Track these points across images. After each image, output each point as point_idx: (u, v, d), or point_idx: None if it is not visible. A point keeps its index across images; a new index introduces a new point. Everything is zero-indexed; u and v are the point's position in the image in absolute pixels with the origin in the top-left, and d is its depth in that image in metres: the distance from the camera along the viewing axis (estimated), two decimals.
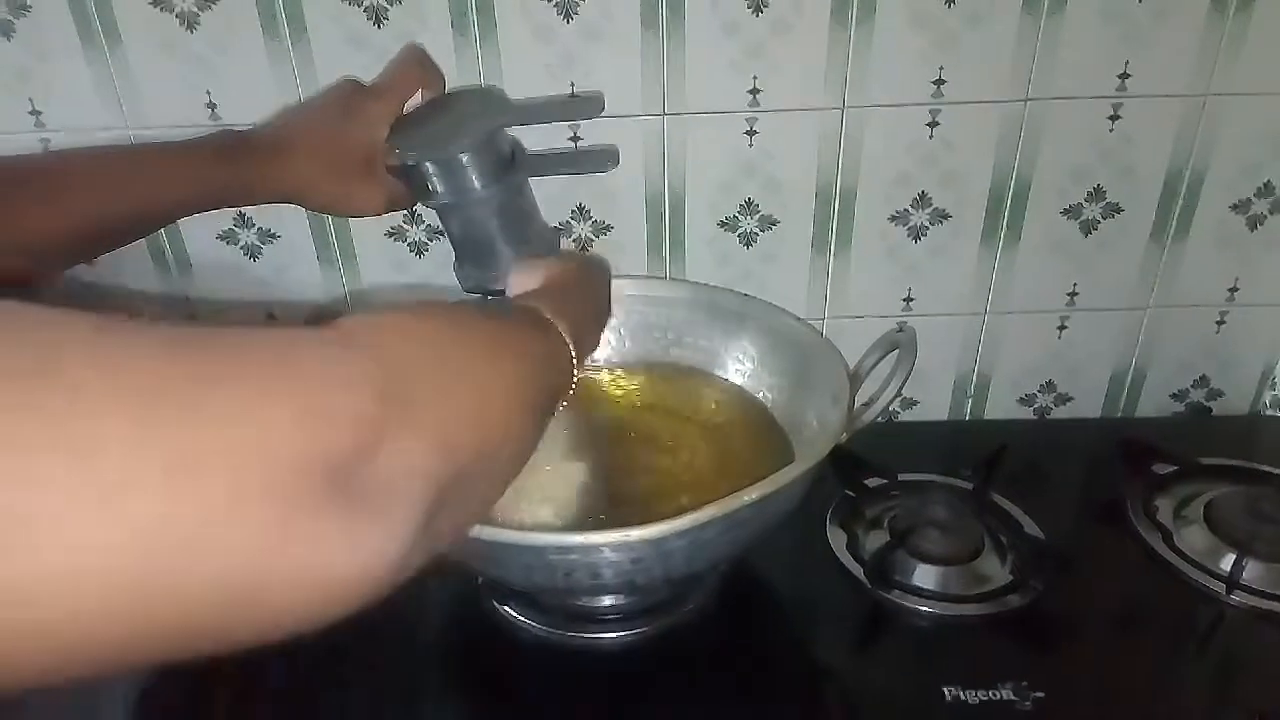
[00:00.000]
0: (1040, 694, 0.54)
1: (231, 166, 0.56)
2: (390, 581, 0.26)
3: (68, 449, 0.19)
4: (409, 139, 0.59)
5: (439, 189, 0.59)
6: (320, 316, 0.59)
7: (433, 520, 0.28)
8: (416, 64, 0.63)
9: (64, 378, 0.20)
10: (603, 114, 0.68)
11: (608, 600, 0.60)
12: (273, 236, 0.74)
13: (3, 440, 0.18)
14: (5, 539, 0.18)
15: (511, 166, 0.60)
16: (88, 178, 0.53)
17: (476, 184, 0.58)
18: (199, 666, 0.58)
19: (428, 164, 0.58)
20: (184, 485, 0.20)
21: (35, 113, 0.68)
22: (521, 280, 0.52)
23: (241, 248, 0.74)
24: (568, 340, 0.42)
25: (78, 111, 0.68)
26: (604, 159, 0.68)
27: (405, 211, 0.72)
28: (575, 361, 0.43)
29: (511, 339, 0.38)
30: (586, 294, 0.52)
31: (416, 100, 0.63)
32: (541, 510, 0.59)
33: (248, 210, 0.73)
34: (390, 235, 0.74)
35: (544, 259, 0.55)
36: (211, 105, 0.68)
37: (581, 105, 0.67)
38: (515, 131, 0.66)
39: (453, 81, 0.67)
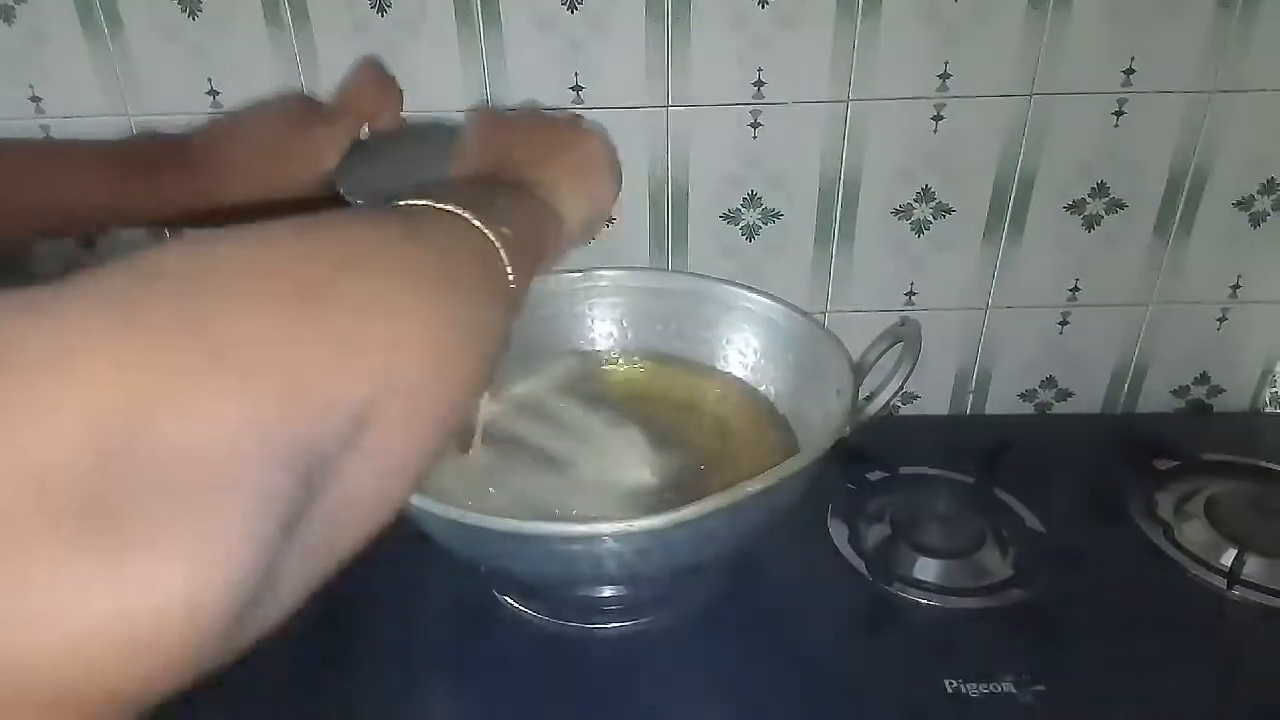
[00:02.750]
0: (1040, 687, 0.54)
1: (144, 184, 0.48)
2: (218, 623, 0.19)
3: None
4: (359, 175, 0.52)
5: None
6: None
7: (294, 523, 0.21)
8: (373, 83, 0.57)
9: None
10: (607, 105, 0.67)
11: (609, 591, 0.60)
12: None
13: None
14: None
15: None
16: None
17: None
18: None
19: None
20: None
21: (35, 99, 0.68)
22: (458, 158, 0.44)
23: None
24: (489, 234, 0.32)
25: (78, 98, 0.68)
26: None
27: None
28: (509, 261, 0.33)
29: (402, 246, 0.29)
30: (543, 158, 0.43)
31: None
32: (542, 499, 0.58)
33: None
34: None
35: (493, 115, 0.47)
36: (213, 92, 0.68)
37: None
38: None
39: (454, 72, 0.67)
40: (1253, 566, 0.61)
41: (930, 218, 0.74)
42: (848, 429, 0.55)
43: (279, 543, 0.20)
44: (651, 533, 0.48)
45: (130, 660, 0.18)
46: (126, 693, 0.18)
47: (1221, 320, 0.80)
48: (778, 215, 0.74)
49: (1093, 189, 0.73)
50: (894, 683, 0.56)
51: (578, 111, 0.68)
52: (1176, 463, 0.72)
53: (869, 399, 0.58)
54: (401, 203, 0.33)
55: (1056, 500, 0.68)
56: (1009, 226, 0.75)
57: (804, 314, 0.65)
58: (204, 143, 0.52)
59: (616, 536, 0.48)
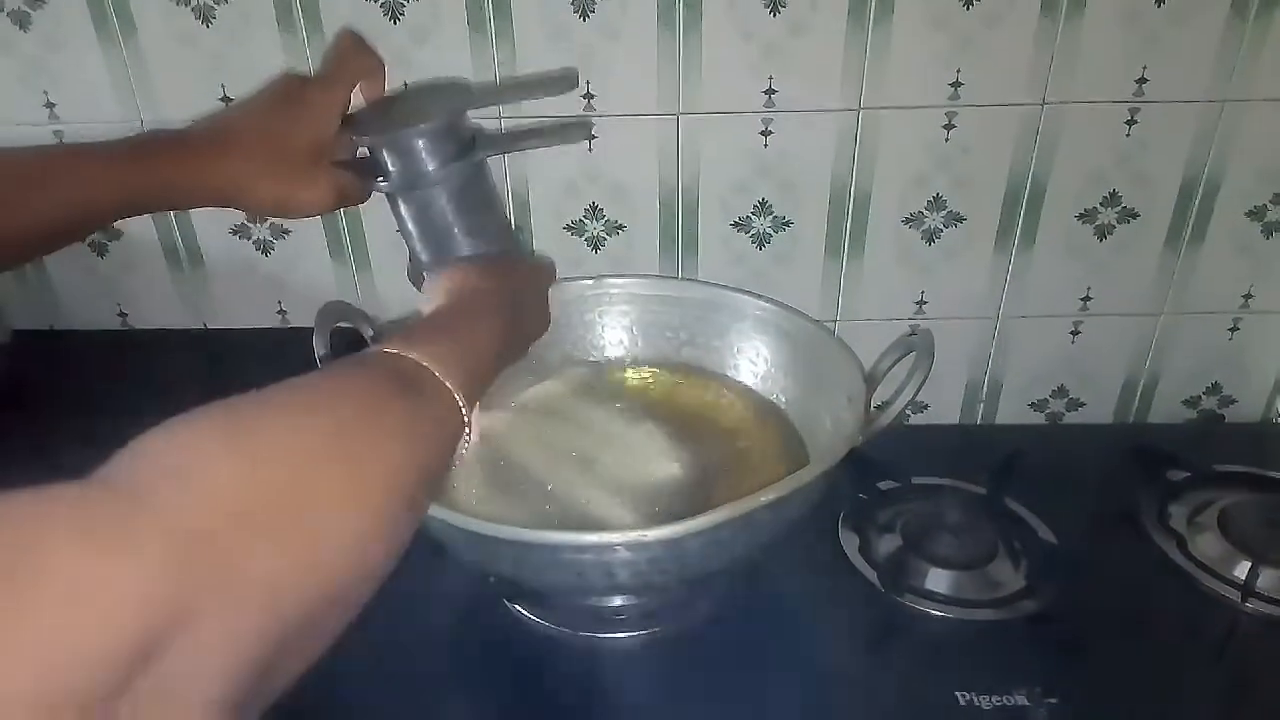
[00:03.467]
0: (1054, 700, 0.54)
1: (156, 168, 0.50)
2: None
3: None
4: (364, 126, 0.56)
5: (392, 170, 0.55)
6: (333, 314, 0.59)
7: (257, 690, 0.24)
8: (354, 50, 0.58)
9: None
10: (618, 113, 0.67)
11: (619, 600, 0.60)
12: (284, 232, 0.74)
13: None
14: None
15: (471, 148, 0.56)
16: None
17: (431, 165, 0.54)
18: None
19: (383, 148, 0.54)
20: None
21: (50, 105, 0.68)
22: (427, 295, 0.49)
23: (254, 242, 0.74)
24: (453, 391, 0.38)
25: (92, 104, 0.68)
26: (576, 132, 0.65)
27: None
28: (465, 411, 0.39)
29: (369, 427, 0.32)
30: (500, 312, 0.49)
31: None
32: (550, 507, 0.58)
33: None
34: (233, 232, 0.74)
35: (456, 269, 0.52)
36: (226, 99, 0.68)
37: (553, 84, 0.64)
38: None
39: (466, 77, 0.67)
40: (1267, 579, 0.61)
41: (941, 226, 0.74)
42: (859, 439, 0.55)
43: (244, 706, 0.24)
44: (664, 542, 0.47)
45: None
46: None
47: (1233, 330, 0.79)
48: (788, 223, 0.74)
49: (1104, 198, 0.73)
50: (906, 695, 0.56)
51: (590, 119, 0.68)
52: (1189, 474, 0.71)
53: (881, 408, 0.58)
54: (410, 354, 0.39)
55: (1069, 511, 0.68)
56: (1020, 235, 0.75)
57: (815, 322, 0.65)
58: (205, 128, 0.54)
59: (629, 546, 0.48)
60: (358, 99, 0.57)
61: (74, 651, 0.20)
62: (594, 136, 0.69)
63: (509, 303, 0.50)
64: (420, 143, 0.54)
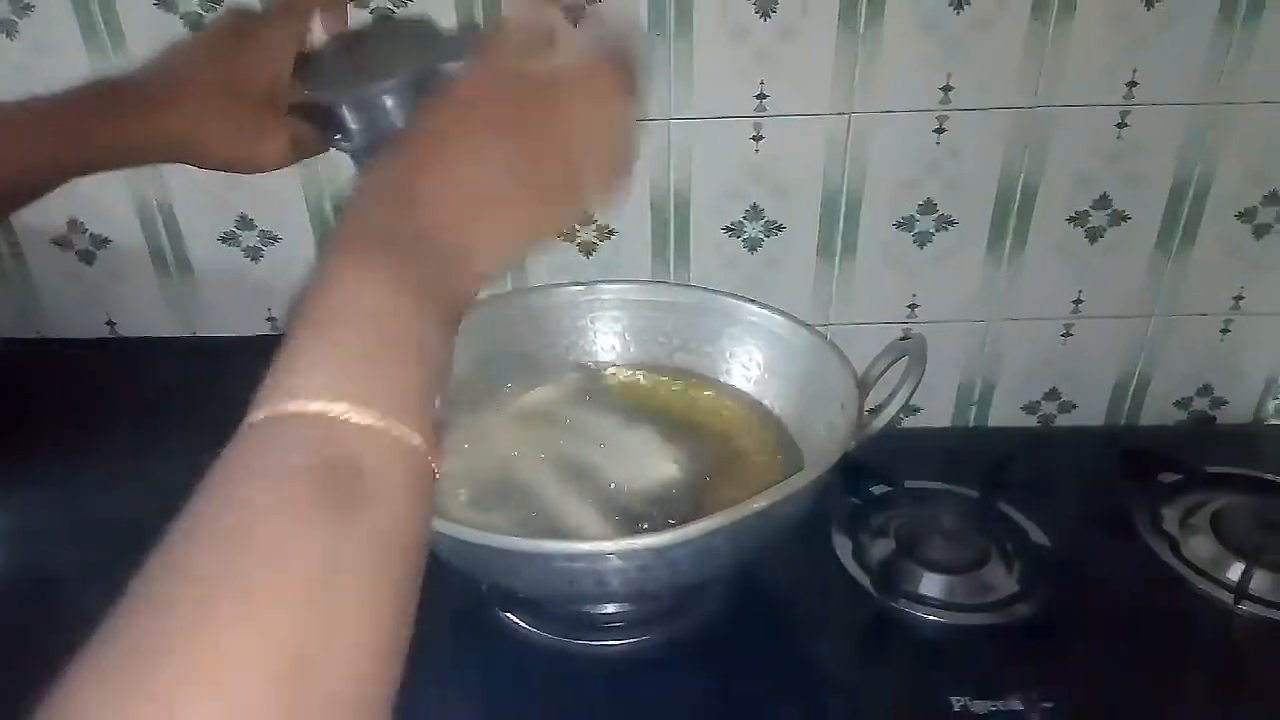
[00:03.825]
0: (1048, 704, 0.53)
1: (102, 121, 0.45)
2: None
3: None
4: (322, 75, 0.49)
5: (354, 129, 0.47)
6: None
7: None
8: None
9: None
10: None
11: (612, 607, 0.59)
12: (274, 239, 0.73)
13: None
14: None
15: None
16: None
17: (399, 123, 0.46)
18: None
19: (344, 105, 0.47)
20: None
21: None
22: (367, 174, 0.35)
23: (243, 250, 0.74)
24: (405, 446, 0.25)
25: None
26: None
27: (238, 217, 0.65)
28: (432, 459, 0.26)
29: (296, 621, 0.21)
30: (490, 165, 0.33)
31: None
32: (541, 513, 0.58)
33: (248, 212, 0.72)
34: (222, 240, 0.74)
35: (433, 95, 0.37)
36: None
37: None
38: None
39: None
40: (1260, 581, 0.61)
41: (933, 230, 0.74)
42: (852, 444, 0.55)
43: None
44: (655, 550, 0.47)
45: None
46: None
47: (1224, 332, 0.79)
48: (780, 228, 0.74)
49: (1095, 201, 0.73)
50: (900, 700, 0.56)
51: None
52: (1181, 476, 0.71)
53: (873, 413, 0.58)
54: (312, 407, 0.25)
55: (1061, 514, 0.68)
56: (1012, 239, 0.75)
57: (808, 327, 0.65)
58: (152, 74, 0.49)
59: (620, 554, 0.48)
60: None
61: None
62: None
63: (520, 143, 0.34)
64: (386, 100, 0.46)
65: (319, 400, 0.24)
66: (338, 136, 0.48)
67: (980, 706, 0.54)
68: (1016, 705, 0.54)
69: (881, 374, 0.61)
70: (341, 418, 0.24)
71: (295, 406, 0.24)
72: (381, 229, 0.30)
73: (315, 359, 0.26)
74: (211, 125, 0.47)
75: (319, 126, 0.49)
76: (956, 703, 0.54)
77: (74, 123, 0.45)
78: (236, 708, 0.20)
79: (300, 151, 0.50)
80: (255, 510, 0.23)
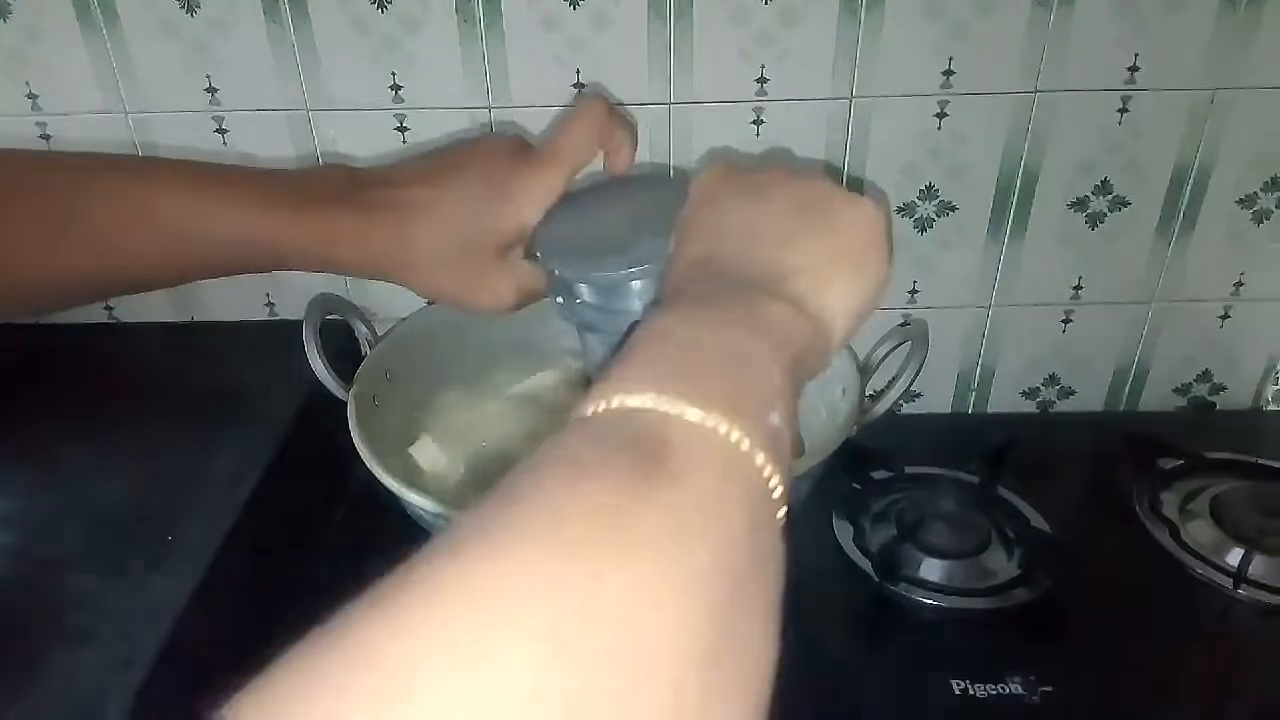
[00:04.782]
0: (1048, 688, 0.54)
1: (321, 225, 0.42)
2: None
3: None
4: (556, 233, 0.45)
5: (588, 302, 0.43)
6: (322, 306, 0.58)
7: None
8: (599, 125, 0.46)
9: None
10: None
11: None
12: None
13: None
14: None
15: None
16: (167, 194, 0.41)
17: (639, 305, 0.42)
18: (195, 665, 0.57)
19: (584, 283, 0.43)
20: None
21: (32, 96, 0.67)
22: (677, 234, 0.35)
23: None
24: (758, 454, 0.24)
25: (75, 96, 0.67)
26: None
27: None
28: (778, 473, 0.24)
29: (654, 542, 0.20)
30: (796, 237, 0.34)
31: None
32: None
33: None
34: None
35: (728, 173, 0.38)
36: (211, 89, 0.67)
37: None
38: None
39: (454, 69, 0.66)
40: (1259, 566, 0.61)
41: (934, 215, 0.74)
42: (853, 429, 0.55)
43: None
44: None
45: None
46: None
47: (1224, 318, 0.80)
48: None
49: (1096, 186, 0.73)
50: (901, 684, 0.56)
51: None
52: (1180, 461, 0.71)
53: (874, 399, 0.58)
54: (632, 402, 0.24)
55: (1061, 499, 0.68)
56: (1012, 224, 0.74)
57: None
58: (389, 178, 0.45)
59: None
60: None
61: None
62: None
63: (834, 244, 0.34)
64: (630, 287, 0.42)
65: (641, 396, 0.24)
66: (560, 300, 0.45)
67: (980, 690, 0.54)
68: (1017, 689, 0.54)
69: (883, 359, 0.61)
70: (663, 410, 0.23)
71: (616, 402, 0.24)
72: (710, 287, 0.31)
73: (642, 370, 0.25)
74: (437, 266, 0.44)
75: (550, 280, 0.45)
76: (957, 686, 0.54)
77: (286, 221, 0.42)
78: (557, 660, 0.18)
79: (524, 300, 0.47)
80: (562, 474, 0.22)
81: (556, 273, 0.44)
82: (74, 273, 0.42)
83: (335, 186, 0.44)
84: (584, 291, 0.43)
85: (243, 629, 0.61)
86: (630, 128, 0.48)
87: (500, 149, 0.46)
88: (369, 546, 0.64)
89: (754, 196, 0.37)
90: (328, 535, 0.66)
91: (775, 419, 0.25)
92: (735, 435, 0.23)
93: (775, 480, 0.24)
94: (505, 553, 0.19)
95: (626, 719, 0.18)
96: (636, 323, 0.31)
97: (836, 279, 0.34)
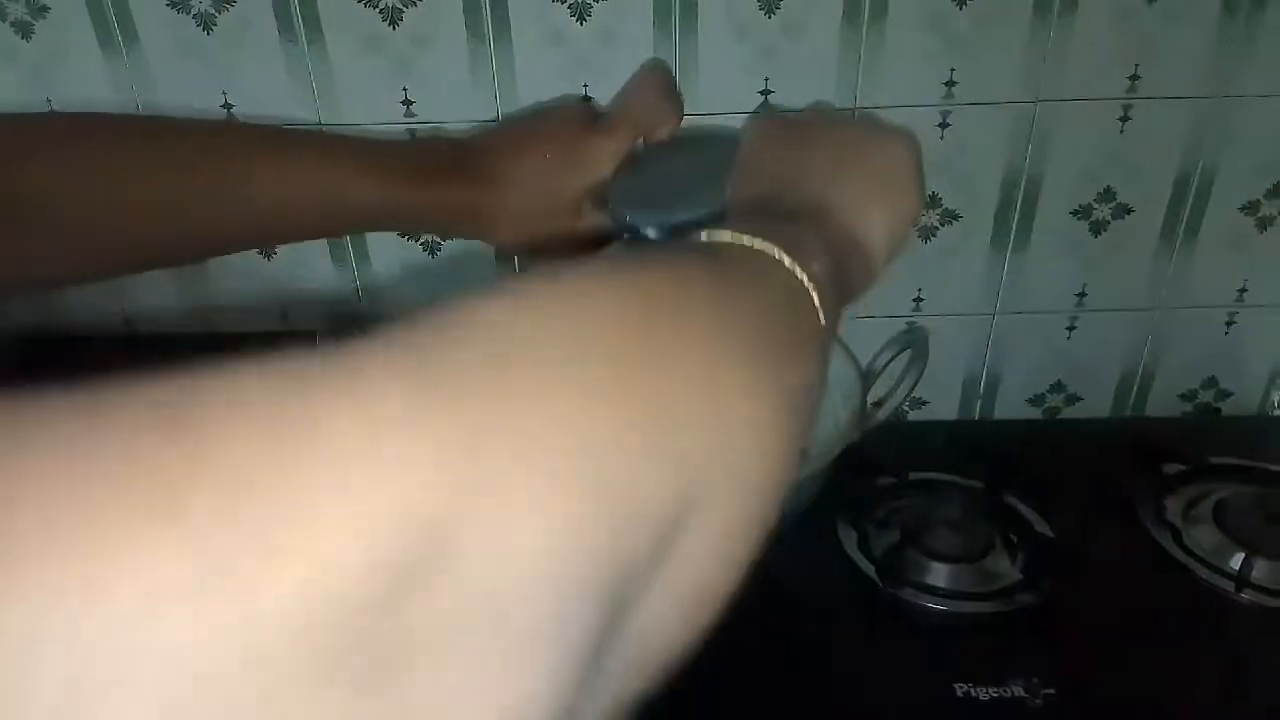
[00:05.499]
0: (1051, 691, 0.54)
1: (428, 190, 0.47)
2: None
3: None
4: (629, 186, 0.51)
5: (653, 237, 0.49)
6: (335, 317, 0.60)
7: (595, 651, 0.17)
8: (656, 95, 0.54)
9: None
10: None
11: None
12: None
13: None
14: None
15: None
16: (273, 166, 0.45)
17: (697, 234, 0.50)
18: None
19: (652, 228, 0.48)
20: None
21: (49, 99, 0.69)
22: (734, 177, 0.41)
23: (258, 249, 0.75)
24: (800, 274, 0.28)
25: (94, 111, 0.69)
26: None
27: None
28: (820, 304, 0.28)
29: (711, 305, 0.24)
30: (839, 171, 0.38)
31: None
32: None
33: None
34: (404, 233, 0.74)
35: (776, 123, 0.43)
36: (228, 106, 0.69)
37: None
38: None
39: (464, 83, 0.67)
40: (1261, 570, 0.62)
41: (938, 224, 0.75)
42: (855, 436, 0.56)
43: (577, 686, 0.17)
44: None
45: None
46: None
47: (1229, 324, 0.80)
48: None
49: (1099, 194, 0.73)
50: (904, 687, 0.57)
51: None
52: (1184, 467, 0.72)
53: (877, 405, 0.59)
54: (703, 237, 0.29)
55: (1065, 505, 0.68)
56: (1016, 232, 0.75)
57: None
58: (485, 149, 0.51)
59: None
60: None
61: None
62: None
63: (873, 173, 0.39)
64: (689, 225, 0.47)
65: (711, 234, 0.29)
66: (626, 234, 0.50)
67: (983, 693, 0.55)
68: (1019, 692, 0.55)
69: (885, 366, 0.62)
70: (744, 242, 0.28)
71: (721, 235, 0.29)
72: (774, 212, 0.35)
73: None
74: (527, 217, 0.50)
75: (615, 224, 0.51)
76: (960, 689, 0.55)
77: (399, 186, 0.47)
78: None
79: (593, 248, 0.52)
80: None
81: (629, 219, 0.49)
82: (234, 233, 0.47)
83: (447, 159, 0.50)
84: (652, 235, 0.49)
85: None
86: (679, 104, 0.54)
87: (573, 117, 0.53)
88: None
89: (800, 142, 0.42)
90: None
91: (826, 273, 0.30)
92: (788, 261, 0.28)
93: (812, 290, 0.28)
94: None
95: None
96: None
97: (875, 209, 0.38)
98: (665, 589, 0.20)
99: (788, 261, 0.28)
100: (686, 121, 0.69)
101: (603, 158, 0.51)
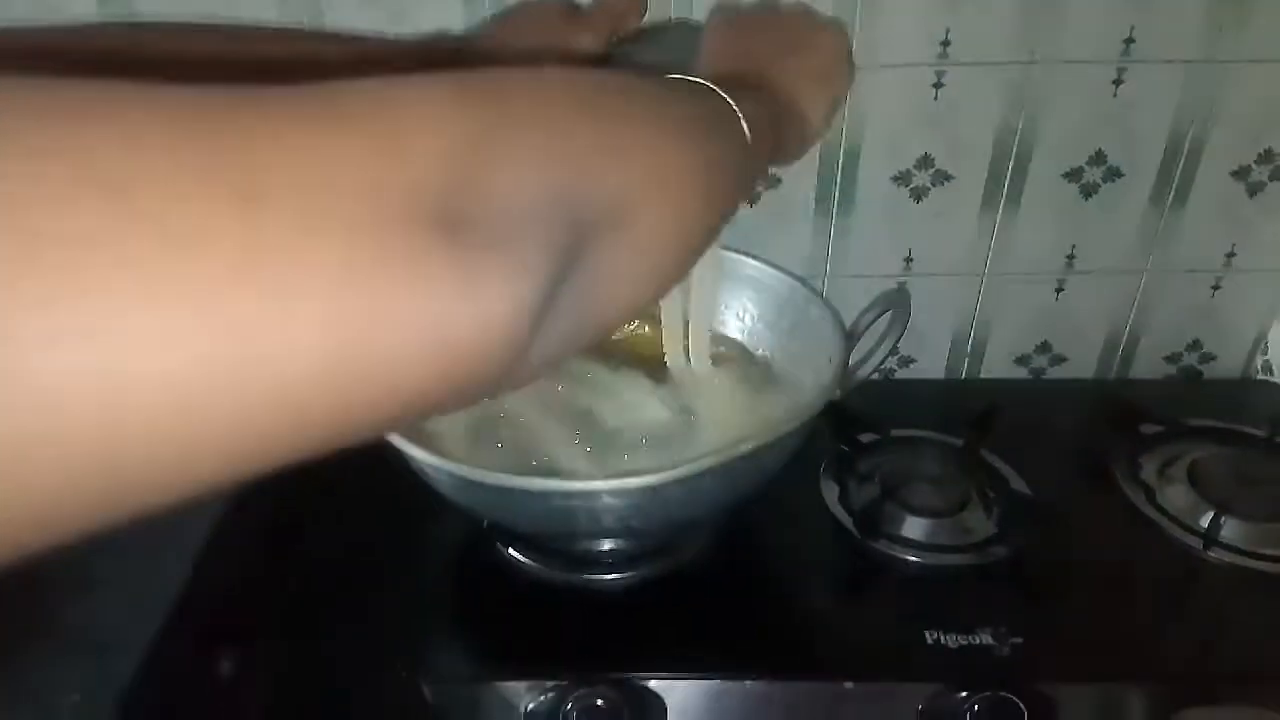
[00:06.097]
0: (1018, 639, 0.56)
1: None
2: (513, 344, 0.23)
3: (163, 238, 0.17)
4: (619, 61, 0.59)
5: None
6: None
7: (563, 278, 0.25)
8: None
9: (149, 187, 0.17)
10: None
11: (608, 544, 0.62)
12: None
13: (93, 234, 0.16)
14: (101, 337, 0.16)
15: None
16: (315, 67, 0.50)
17: None
18: (210, 610, 0.60)
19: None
20: (276, 259, 0.18)
21: None
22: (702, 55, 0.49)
23: None
24: (734, 107, 0.36)
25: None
26: None
27: None
28: (750, 136, 0.37)
29: (652, 91, 0.33)
30: (783, 56, 0.47)
31: None
32: (538, 456, 0.61)
33: None
34: None
35: (728, 24, 0.51)
36: None
37: None
38: None
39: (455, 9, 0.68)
40: (1230, 529, 0.63)
41: (929, 185, 0.75)
42: (837, 393, 0.57)
43: (550, 290, 0.24)
44: (647, 488, 0.50)
45: (450, 364, 0.22)
46: (432, 396, 0.22)
47: (1216, 289, 0.81)
48: (778, 181, 0.75)
49: (1091, 157, 0.74)
50: (877, 634, 0.59)
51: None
52: (1162, 428, 0.73)
53: (860, 363, 0.60)
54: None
55: (1043, 463, 0.70)
56: (1007, 194, 0.76)
57: (798, 279, 0.67)
58: (480, 41, 0.58)
59: (613, 493, 0.50)
60: None
61: (414, 153, 0.22)
62: None
63: (810, 59, 0.49)
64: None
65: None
66: None
67: (952, 640, 0.57)
68: (988, 640, 0.57)
69: (869, 325, 0.63)
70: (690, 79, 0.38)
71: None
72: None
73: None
74: None
75: None
76: (930, 636, 0.57)
77: (415, 65, 0.51)
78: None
79: None
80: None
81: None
82: None
83: (447, 52, 0.57)
84: None
85: (257, 572, 0.64)
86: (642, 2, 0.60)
87: (554, 9, 0.59)
88: (374, 499, 0.68)
89: (750, 31, 0.51)
90: (335, 488, 0.69)
91: (760, 120, 0.38)
92: (724, 95, 0.37)
93: (740, 117, 0.37)
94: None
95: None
96: None
97: (809, 84, 0.48)
98: (610, 259, 0.27)
99: (722, 92, 0.37)
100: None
101: (584, 42, 0.57)
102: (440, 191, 0.21)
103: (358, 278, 0.19)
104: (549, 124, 0.26)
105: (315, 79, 0.21)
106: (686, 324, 0.64)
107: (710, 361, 0.66)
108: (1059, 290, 0.81)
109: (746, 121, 0.37)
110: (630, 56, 0.58)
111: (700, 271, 0.62)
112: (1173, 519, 0.66)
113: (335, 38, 0.56)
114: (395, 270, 0.20)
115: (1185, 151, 0.73)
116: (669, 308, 0.64)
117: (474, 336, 0.22)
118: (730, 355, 0.70)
